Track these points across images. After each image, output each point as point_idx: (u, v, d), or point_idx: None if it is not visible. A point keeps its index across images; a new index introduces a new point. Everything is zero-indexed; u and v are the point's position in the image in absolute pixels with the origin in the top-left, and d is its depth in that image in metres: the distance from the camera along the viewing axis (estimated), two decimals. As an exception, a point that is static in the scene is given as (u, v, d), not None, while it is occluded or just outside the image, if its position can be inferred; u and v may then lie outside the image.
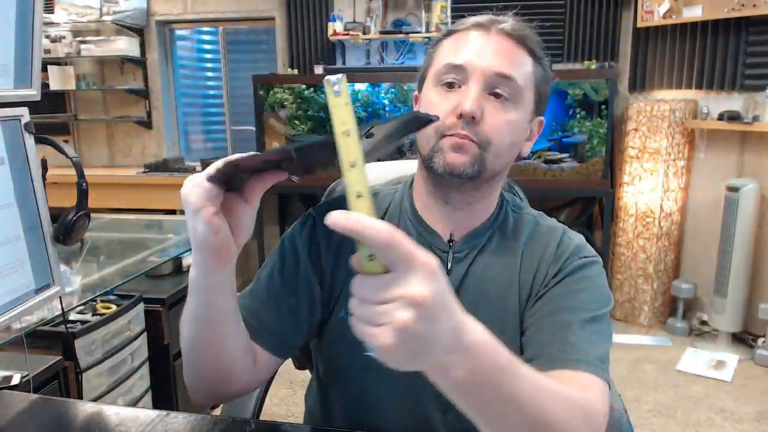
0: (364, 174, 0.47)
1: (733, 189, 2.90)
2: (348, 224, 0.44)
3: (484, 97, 0.75)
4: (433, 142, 0.77)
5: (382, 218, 0.85)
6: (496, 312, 0.80)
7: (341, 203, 0.46)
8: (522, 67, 0.77)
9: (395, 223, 0.85)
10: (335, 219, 0.44)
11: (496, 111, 0.75)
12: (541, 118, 0.84)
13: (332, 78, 0.48)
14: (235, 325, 0.73)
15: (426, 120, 0.68)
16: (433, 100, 0.78)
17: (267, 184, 0.63)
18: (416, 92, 0.86)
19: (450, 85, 0.77)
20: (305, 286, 0.82)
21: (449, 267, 0.81)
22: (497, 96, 0.75)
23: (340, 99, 0.48)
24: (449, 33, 0.81)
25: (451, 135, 0.75)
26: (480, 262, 0.82)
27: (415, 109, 0.85)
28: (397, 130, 0.67)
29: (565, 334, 0.73)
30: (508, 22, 0.78)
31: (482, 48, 0.76)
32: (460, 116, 0.74)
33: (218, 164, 0.58)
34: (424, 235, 0.83)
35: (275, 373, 0.90)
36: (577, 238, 0.84)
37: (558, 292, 0.78)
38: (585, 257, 0.81)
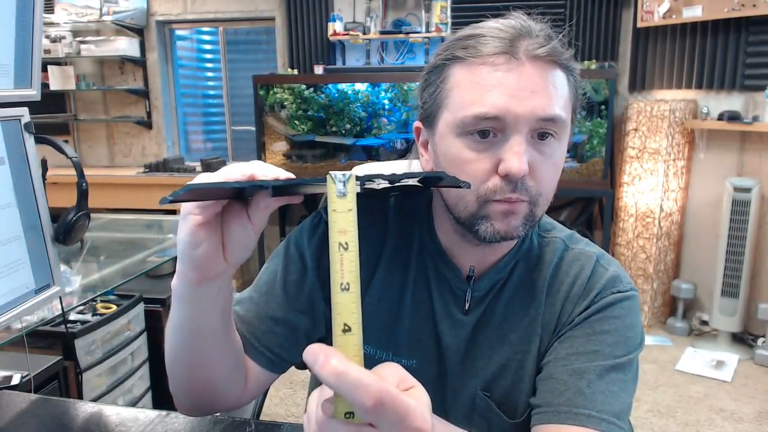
0: (358, 300, 0.37)
1: (744, 189, 2.89)
2: (328, 375, 0.35)
3: (528, 144, 0.62)
4: (474, 208, 0.64)
5: (399, 232, 0.75)
6: (514, 359, 0.72)
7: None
8: (563, 95, 0.63)
9: (412, 245, 0.75)
10: (311, 358, 0.36)
11: (544, 157, 0.63)
12: None
13: (338, 174, 0.38)
14: (224, 341, 0.65)
15: (453, 184, 0.53)
16: (462, 157, 0.63)
17: (274, 204, 0.54)
18: (418, 123, 0.72)
19: (483, 134, 0.62)
20: (309, 301, 0.74)
21: (467, 308, 0.73)
22: (542, 137, 0.63)
23: (343, 202, 0.38)
24: (461, 58, 0.64)
25: (498, 200, 0.62)
26: (501, 299, 0.73)
27: (418, 143, 0.74)
28: (408, 185, 0.56)
29: (579, 384, 0.65)
30: (534, 35, 0.63)
31: (518, 88, 0.60)
32: (505, 176, 0.61)
33: (202, 180, 0.50)
34: (442, 270, 0.74)
35: (269, 387, 0.86)
36: (613, 266, 0.73)
37: (580, 332, 0.69)
38: (618, 291, 0.70)
